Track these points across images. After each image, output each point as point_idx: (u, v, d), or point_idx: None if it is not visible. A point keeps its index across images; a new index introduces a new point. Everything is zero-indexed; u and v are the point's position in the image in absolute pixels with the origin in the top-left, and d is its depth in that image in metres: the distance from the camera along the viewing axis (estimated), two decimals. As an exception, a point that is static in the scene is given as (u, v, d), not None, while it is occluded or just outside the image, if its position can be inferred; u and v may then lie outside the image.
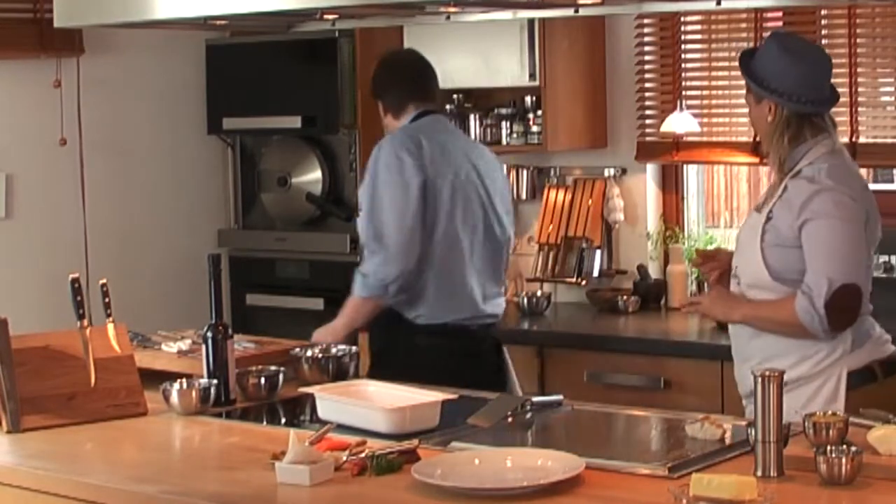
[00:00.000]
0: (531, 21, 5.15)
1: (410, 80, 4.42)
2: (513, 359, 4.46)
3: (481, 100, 5.60)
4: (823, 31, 5.06)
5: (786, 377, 3.34)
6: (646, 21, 5.43)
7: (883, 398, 3.42)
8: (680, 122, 5.27)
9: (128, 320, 3.73)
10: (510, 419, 3.33)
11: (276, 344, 4.07)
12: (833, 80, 5.05)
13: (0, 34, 5.36)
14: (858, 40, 4.98)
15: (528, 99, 5.46)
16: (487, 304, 4.36)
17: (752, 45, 5.19)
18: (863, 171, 5.42)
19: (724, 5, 3.83)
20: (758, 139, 5.20)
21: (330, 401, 3.36)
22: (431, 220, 4.21)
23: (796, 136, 3.55)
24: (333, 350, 3.92)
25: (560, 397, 3.52)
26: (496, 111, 5.54)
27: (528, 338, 5.05)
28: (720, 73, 5.35)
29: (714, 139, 5.35)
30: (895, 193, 5.39)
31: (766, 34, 5.15)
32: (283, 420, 3.58)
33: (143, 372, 3.63)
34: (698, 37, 5.39)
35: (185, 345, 3.97)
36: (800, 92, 3.56)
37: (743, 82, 5.22)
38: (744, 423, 2.98)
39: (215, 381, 3.57)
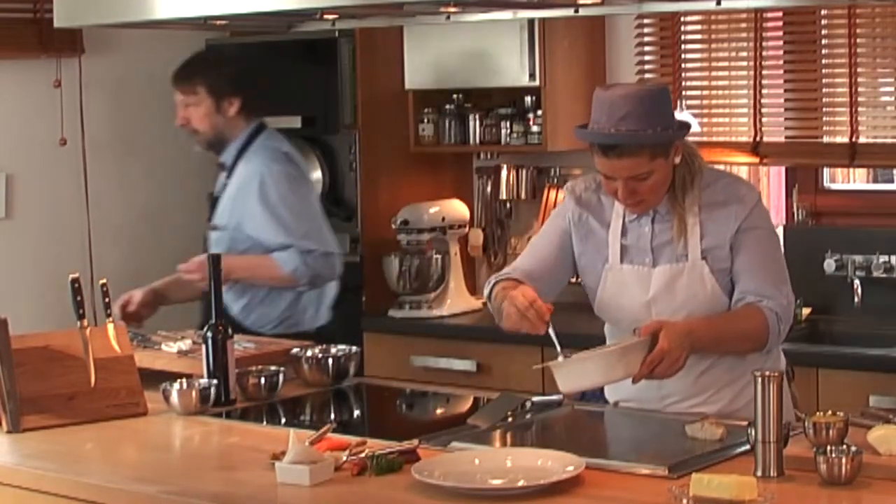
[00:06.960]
0: (531, 21, 5.15)
1: None
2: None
3: (481, 100, 5.59)
4: (823, 31, 5.06)
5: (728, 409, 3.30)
6: (646, 21, 5.43)
7: None
8: (680, 122, 5.27)
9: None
10: (510, 419, 3.33)
11: (276, 344, 4.07)
12: (833, 80, 5.11)
13: (0, 34, 5.36)
14: (858, 40, 4.97)
15: (527, 99, 5.44)
16: None
17: (752, 45, 5.19)
18: (862, 172, 5.47)
19: (724, 5, 3.82)
20: (758, 139, 5.23)
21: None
22: None
23: (691, 158, 3.26)
24: (333, 350, 3.92)
25: (560, 397, 3.52)
26: (496, 111, 5.52)
27: (528, 338, 5.02)
28: (720, 74, 5.34)
29: (714, 139, 5.34)
30: (895, 193, 5.39)
31: (767, 33, 5.18)
32: (283, 420, 3.58)
33: (143, 372, 3.63)
34: (698, 37, 5.38)
35: (185, 345, 3.97)
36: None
37: (744, 82, 5.25)
38: (744, 423, 2.98)
39: (215, 381, 3.57)
